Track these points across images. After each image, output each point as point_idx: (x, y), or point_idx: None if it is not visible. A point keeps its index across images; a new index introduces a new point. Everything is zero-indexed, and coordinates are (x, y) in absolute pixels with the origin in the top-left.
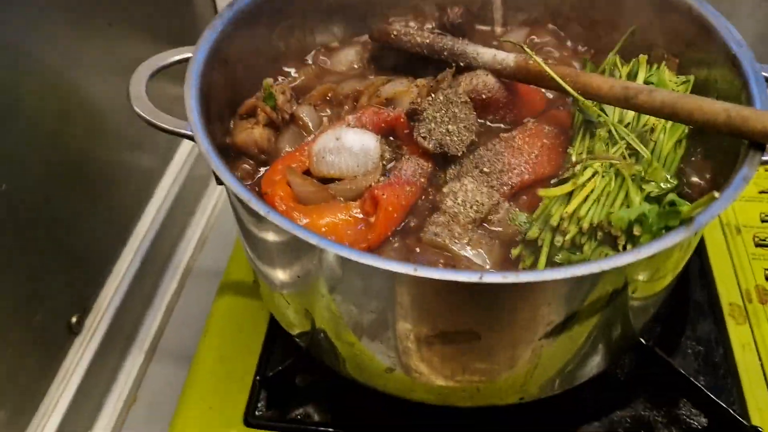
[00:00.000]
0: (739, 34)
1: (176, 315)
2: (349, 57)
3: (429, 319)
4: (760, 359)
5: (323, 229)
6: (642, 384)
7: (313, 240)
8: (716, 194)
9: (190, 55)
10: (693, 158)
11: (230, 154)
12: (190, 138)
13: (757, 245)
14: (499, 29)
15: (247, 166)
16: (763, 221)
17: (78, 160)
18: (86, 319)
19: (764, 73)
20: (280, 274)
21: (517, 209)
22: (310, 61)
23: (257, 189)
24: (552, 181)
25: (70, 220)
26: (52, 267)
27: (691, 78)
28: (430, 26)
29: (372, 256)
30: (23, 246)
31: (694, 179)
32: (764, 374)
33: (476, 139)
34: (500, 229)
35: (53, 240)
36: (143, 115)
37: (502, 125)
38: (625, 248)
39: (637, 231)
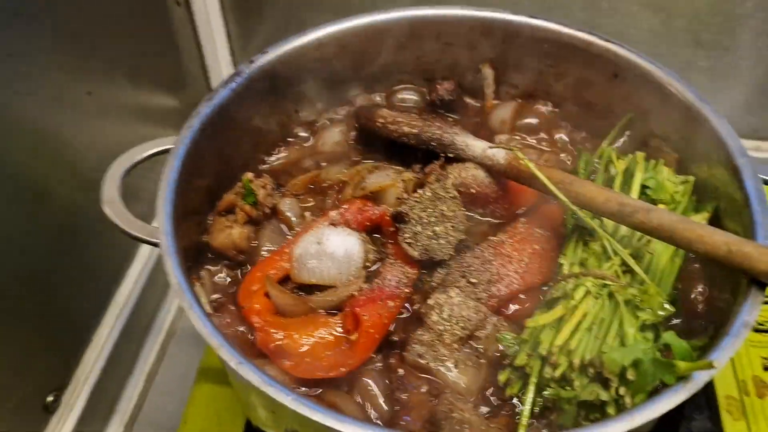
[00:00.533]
0: (740, 141)
1: (158, 382)
2: (333, 138)
3: None
4: None
5: (302, 349)
6: None
7: (281, 399)
8: (715, 364)
9: (169, 146)
10: (693, 266)
11: (207, 253)
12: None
13: (756, 330)
14: (489, 105)
15: (224, 275)
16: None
17: (57, 225)
18: (63, 395)
19: (762, 175)
20: (254, 400)
21: (505, 324)
22: (292, 140)
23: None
24: (543, 288)
25: (51, 287)
26: (30, 344)
27: (692, 179)
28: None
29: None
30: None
31: (694, 293)
32: None
33: (465, 237)
34: (487, 347)
35: (33, 313)
36: (114, 219)
37: (491, 219)
38: (617, 391)
39: (631, 375)
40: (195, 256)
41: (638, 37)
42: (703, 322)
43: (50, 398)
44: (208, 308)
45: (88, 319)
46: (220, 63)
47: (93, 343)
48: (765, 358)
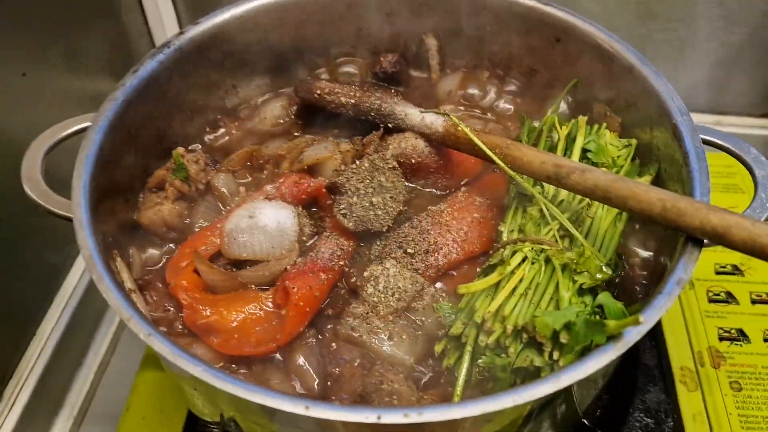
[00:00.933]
0: (680, 100)
1: (110, 372)
2: (274, 112)
3: None
4: (711, 431)
5: (232, 325)
6: None
7: (193, 371)
8: (641, 318)
9: (88, 124)
10: (636, 227)
11: (139, 232)
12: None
13: (711, 300)
14: (435, 75)
15: (156, 253)
16: (717, 273)
17: None
18: (5, 388)
19: (703, 136)
20: (183, 383)
21: (444, 294)
22: (232, 119)
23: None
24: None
25: None
26: None
27: (634, 142)
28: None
29: (261, 391)
30: None
31: (640, 252)
32: None
33: (405, 209)
34: (424, 318)
35: None
36: (33, 197)
37: (434, 190)
38: (551, 355)
39: (564, 338)
40: (125, 234)
41: (592, 9)
42: (645, 285)
43: None
44: (129, 284)
45: (32, 310)
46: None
47: (38, 334)
48: (721, 329)
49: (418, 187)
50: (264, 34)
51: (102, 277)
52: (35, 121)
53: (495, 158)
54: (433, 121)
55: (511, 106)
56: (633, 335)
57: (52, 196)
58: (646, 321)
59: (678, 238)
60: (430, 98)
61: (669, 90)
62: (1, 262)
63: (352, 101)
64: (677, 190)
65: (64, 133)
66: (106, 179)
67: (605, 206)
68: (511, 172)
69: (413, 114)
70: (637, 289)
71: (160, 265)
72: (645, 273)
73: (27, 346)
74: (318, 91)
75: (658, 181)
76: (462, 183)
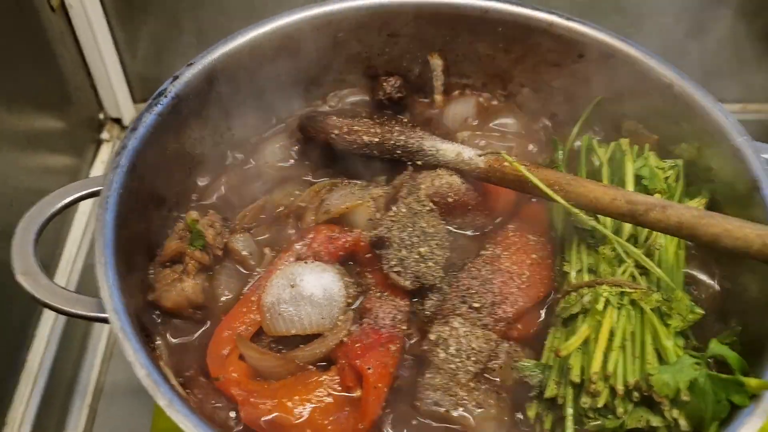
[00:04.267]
0: (734, 117)
1: None
2: (275, 155)
3: None
4: None
5: (300, 420)
6: None
7: None
8: None
9: (87, 191)
10: (693, 252)
11: (154, 316)
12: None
13: None
14: (439, 98)
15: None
16: None
17: None
18: None
19: (765, 155)
20: None
21: (518, 349)
22: (230, 166)
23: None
24: (549, 300)
25: None
26: None
27: (680, 162)
28: (358, 98)
29: None
30: None
31: (704, 280)
32: None
33: (450, 254)
34: (504, 379)
35: None
36: (35, 294)
37: (469, 232)
38: (671, 415)
39: (685, 396)
40: (142, 322)
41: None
42: (713, 315)
43: None
44: (180, 390)
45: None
46: (108, 72)
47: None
48: None
49: (453, 229)
50: (259, 68)
51: (172, 402)
52: None
53: (557, 197)
54: (472, 157)
55: (527, 127)
56: None
57: (65, 295)
58: None
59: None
60: (437, 124)
61: (721, 108)
62: None
63: (376, 139)
64: (742, 214)
65: (57, 206)
66: (124, 263)
67: (666, 236)
68: (575, 210)
69: (446, 149)
70: (712, 324)
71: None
72: (713, 303)
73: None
74: (335, 132)
75: (712, 204)
76: (497, 219)
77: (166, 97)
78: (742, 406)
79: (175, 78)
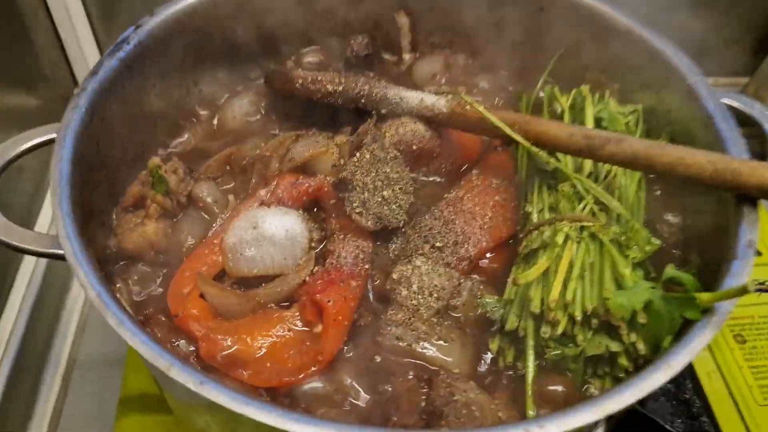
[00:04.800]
0: (689, 59)
1: (66, 422)
2: (243, 108)
3: None
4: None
5: (260, 353)
6: None
7: (238, 408)
8: (751, 284)
9: (50, 136)
10: (657, 193)
11: (117, 259)
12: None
13: None
14: (407, 56)
15: (144, 270)
16: None
17: None
18: None
19: (724, 101)
20: (198, 419)
21: (481, 286)
22: (197, 120)
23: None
24: (513, 243)
25: None
26: None
27: (640, 107)
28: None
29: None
30: None
31: (669, 219)
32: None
33: (414, 200)
34: (467, 314)
35: None
36: None
37: (437, 178)
38: (629, 338)
39: (642, 319)
40: (108, 264)
41: None
42: (679, 251)
43: None
44: (132, 314)
45: None
46: (82, 47)
47: None
48: None
49: (421, 176)
50: (225, 23)
51: (122, 322)
52: None
53: (516, 136)
54: (435, 102)
55: (492, 84)
56: (726, 306)
57: (21, 232)
58: (751, 288)
59: (707, 198)
60: (405, 81)
61: (675, 51)
62: None
63: (340, 88)
64: None
65: (15, 152)
66: (81, 202)
67: (627, 173)
68: (534, 149)
69: (410, 96)
70: (673, 259)
71: (145, 294)
72: (675, 241)
73: None
74: (300, 81)
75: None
76: (463, 167)
77: (128, 44)
78: (695, 320)
79: (138, 26)
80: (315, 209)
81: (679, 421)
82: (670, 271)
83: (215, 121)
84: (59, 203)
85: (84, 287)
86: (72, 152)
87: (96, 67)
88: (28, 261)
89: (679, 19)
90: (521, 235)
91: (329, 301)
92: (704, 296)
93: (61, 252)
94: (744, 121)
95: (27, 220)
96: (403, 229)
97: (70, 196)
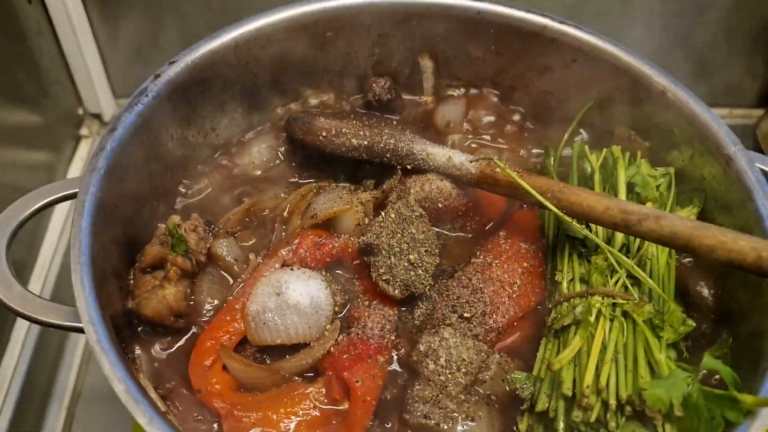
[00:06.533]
0: (726, 126)
1: None
2: (262, 155)
3: None
4: None
5: None
6: None
7: None
8: None
9: (64, 193)
10: (688, 264)
11: (134, 323)
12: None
13: None
14: (429, 99)
15: (163, 334)
16: None
17: None
18: None
19: (758, 165)
20: None
21: (509, 360)
22: (215, 167)
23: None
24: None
25: None
26: None
27: (671, 170)
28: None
29: None
30: None
31: (702, 292)
32: None
33: (439, 260)
34: (495, 390)
35: None
36: (8, 303)
37: (461, 233)
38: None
39: (678, 412)
40: (120, 329)
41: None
42: (705, 325)
43: None
44: (160, 405)
45: None
46: (87, 65)
47: None
48: None
49: (444, 232)
50: (244, 68)
51: (152, 419)
52: None
53: (550, 206)
54: (463, 161)
55: (518, 132)
56: None
57: (39, 304)
58: None
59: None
60: (427, 125)
61: (713, 116)
62: None
63: (365, 142)
64: (734, 224)
65: (30, 210)
66: (100, 268)
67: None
68: (567, 219)
69: (437, 154)
70: (704, 334)
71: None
72: (706, 315)
73: None
74: (323, 134)
75: (703, 212)
76: (489, 224)
77: (147, 96)
78: (736, 423)
79: (157, 76)
80: (337, 270)
81: None
82: (709, 361)
83: (233, 168)
84: (81, 279)
85: (110, 380)
86: (91, 221)
87: (114, 123)
88: None
89: (695, 50)
90: (550, 305)
91: (357, 382)
92: (748, 399)
93: (80, 325)
94: None
95: (22, 266)
96: (428, 293)
97: (91, 271)
